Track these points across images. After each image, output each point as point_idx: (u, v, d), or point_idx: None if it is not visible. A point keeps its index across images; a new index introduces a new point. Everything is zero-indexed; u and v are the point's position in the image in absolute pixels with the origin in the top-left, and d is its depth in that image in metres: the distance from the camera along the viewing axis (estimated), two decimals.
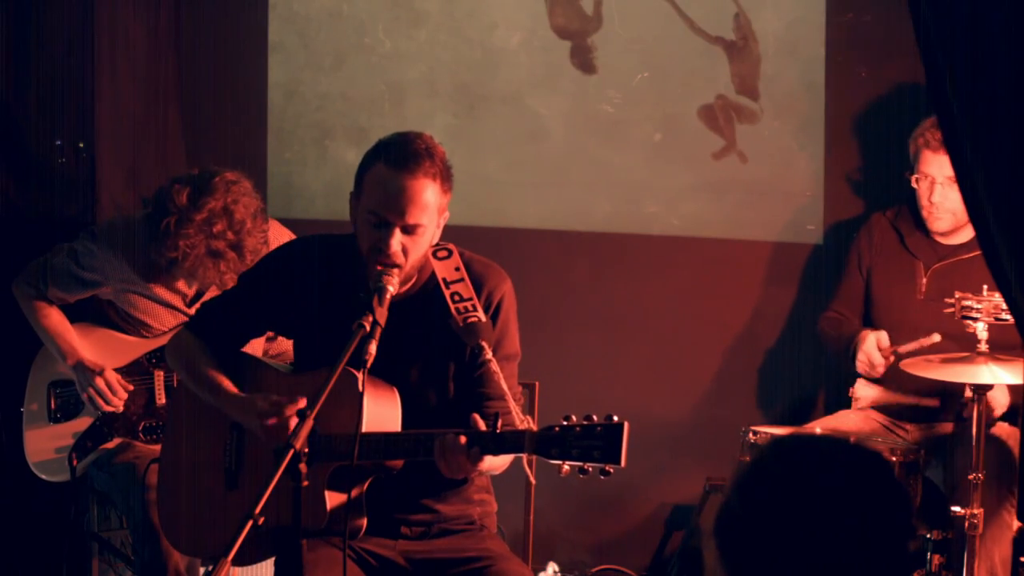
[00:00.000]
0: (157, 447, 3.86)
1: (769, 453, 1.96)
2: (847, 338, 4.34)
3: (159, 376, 4.12)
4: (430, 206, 3.04)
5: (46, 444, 4.16)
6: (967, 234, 4.31)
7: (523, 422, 2.92)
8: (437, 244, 3.18)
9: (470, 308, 3.09)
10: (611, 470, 2.80)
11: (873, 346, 4.21)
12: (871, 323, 4.43)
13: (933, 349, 4.07)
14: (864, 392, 4.37)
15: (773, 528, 1.84)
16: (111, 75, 4.70)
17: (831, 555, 1.81)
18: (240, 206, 3.85)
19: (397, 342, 3.10)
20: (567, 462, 2.82)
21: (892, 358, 4.20)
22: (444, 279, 3.14)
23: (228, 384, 3.19)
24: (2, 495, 4.48)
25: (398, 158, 3.03)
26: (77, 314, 4.17)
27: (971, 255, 4.23)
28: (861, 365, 4.25)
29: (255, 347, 3.78)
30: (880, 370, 4.23)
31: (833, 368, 4.63)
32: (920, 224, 4.41)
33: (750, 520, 1.86)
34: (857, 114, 4.81)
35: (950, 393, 4.24)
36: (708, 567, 1.92)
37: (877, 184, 4.75)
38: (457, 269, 3.15)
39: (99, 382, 4.01)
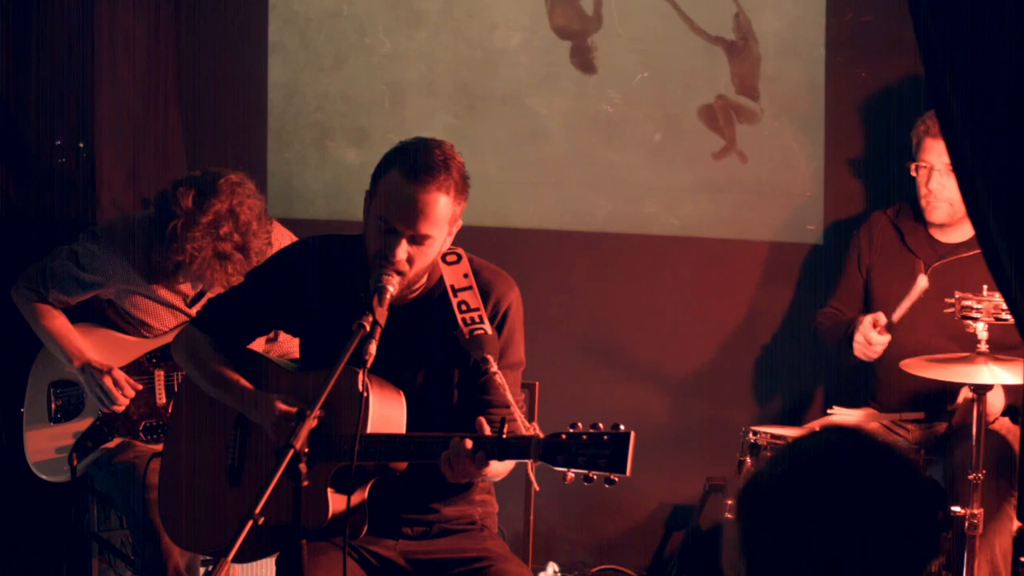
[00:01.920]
0: (158, 447, 3.87)
1: (813, 441, 1.93)
2: (844, 326, 4.33)
3: (159, 376, 4.13)
4: (441, 218, 3.02)
5: (46, 444, 4.16)
6: (966, 232, 4.32)
7: (528, 430, 2.91)
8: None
9: (476, 319, 3.08)
10: (616, 479, 2.80)
11: (868, 325, 4.19)
12: None
13: (931, 352, 4.06)
14: (841, 417, 4.36)
15: (797, 516, 1.82)
16: (111, 75, 4.70)
17: (846, 558, 1.80)
18: (245, 207, 3.85)
19: (403, 345, 3.11)
20: (572, 469, 2.82)
21: (889, 334, 4.18)
22: (452, 286, 3.12)
23: (240, 379, 3.19)
24: (2, 495, 4.48)
25: (414, 168, 3.00)
26: (76, 314, 4.17)
27: (971, 253, 4.23)
28: (858, 347, 4.22)
29: (255, 347, 3.78)
30: (878, 349, 4.21)
31: (833, 368, 4.63)
32: (920, 221, 4.41)
33: (774, 501, 1.85)
34: (857, 114, 4.81)
35: (935, 403, 4.25)
36: (726, 540, 1.91)
37: (877, 184, 4.75)
38: (466, 276, 3.14)
39: (107, 381, 4.02)
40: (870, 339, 4.18)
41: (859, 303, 4.48)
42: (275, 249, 3.96)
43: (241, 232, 3.82)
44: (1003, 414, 4.18)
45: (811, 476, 1.85)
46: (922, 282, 4.08)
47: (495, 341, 3.08)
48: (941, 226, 4.36)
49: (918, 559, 1.84)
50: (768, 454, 3.97)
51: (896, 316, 4.15)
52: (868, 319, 4.22)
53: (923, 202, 4.33)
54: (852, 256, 4.52)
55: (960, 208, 4.22)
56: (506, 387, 3.01)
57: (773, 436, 4.10)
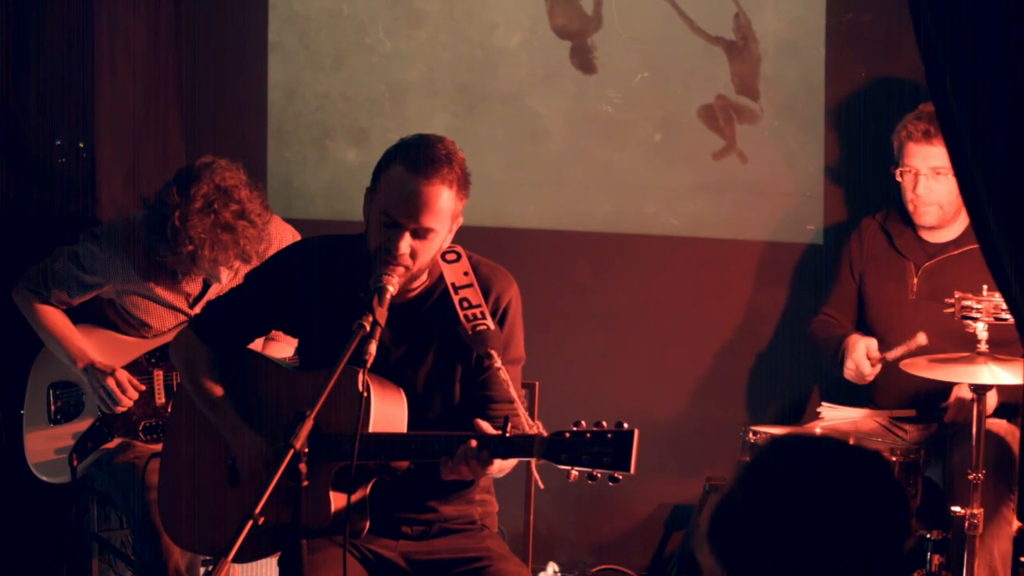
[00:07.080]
0: (157, 447, 3.87)
1: (769, 452, 1.96)
2: (835, 342, 4.33)
3: (158, 376, 4.13)
4: (444, 212, 3.03)
5: (46, 445, 4.16)
6: (955, 230, 4.33)
7: (532, 427, 2.91)
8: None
9: (479, 315, 3.08)
10: (620, 477, 2.80)
11: (863, 355, 4.20)
12: (864, 326, 4.43)
13: (922, 351, 4.06)
14: (830, 414, 4.36)
15: (772, 527, 1.84)
16: (111, 75, 4.70)
17: (829, 554, 1.81)
18: (227, 177, 3.91)
19: (405, 344, 3.11)
20: (576, 468, 2.82)
21: (880, 366, 4.19)
22: (453, 284, 3.12)
23: (227, 409, 3.20)
24: (2, 496, 4.47)
25: (417, 161, 3.01)
26: (76, 315, 4.17)
27: (960, 251, 4.24)
28: (849, 372, 4.24)
29: (254, 345, 3.78)
30: (869, 378, 4.23)
31: (831, 368, 4.63)
32: (909, 223, 4.41)
33: (749, 519, 1.86)
34: (857, 114, 4.81)
35: (925, 401, 4.25)
36: (704, 569, 1.92)
37: (876, 184, 4.74)
38: (466, 274, 3.14)
39: (111, 383, 4.03)
40: (862, 370, 4.20)
41: (852, 310, 4.48)
42: (275, 242, 3.99)
43: (235, 199, 3.88)
44: (999, 415, 4.17)
45: (775, 496, 1.87)
46: (920, 338, 4.08)
47: (498, 336, 3.08)
48: (930, 228, 4.36)
49: (894, 541, 1.86)
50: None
51: (890, 356, 4.15)
52: (862, 347, 4.21)
53: (910, 207, 4.33)
54: (844, 263, 4.52)
55: (949, 209, 4.25)
56: (509, 382, 3.01)
57: (772, 436, 4.09)
